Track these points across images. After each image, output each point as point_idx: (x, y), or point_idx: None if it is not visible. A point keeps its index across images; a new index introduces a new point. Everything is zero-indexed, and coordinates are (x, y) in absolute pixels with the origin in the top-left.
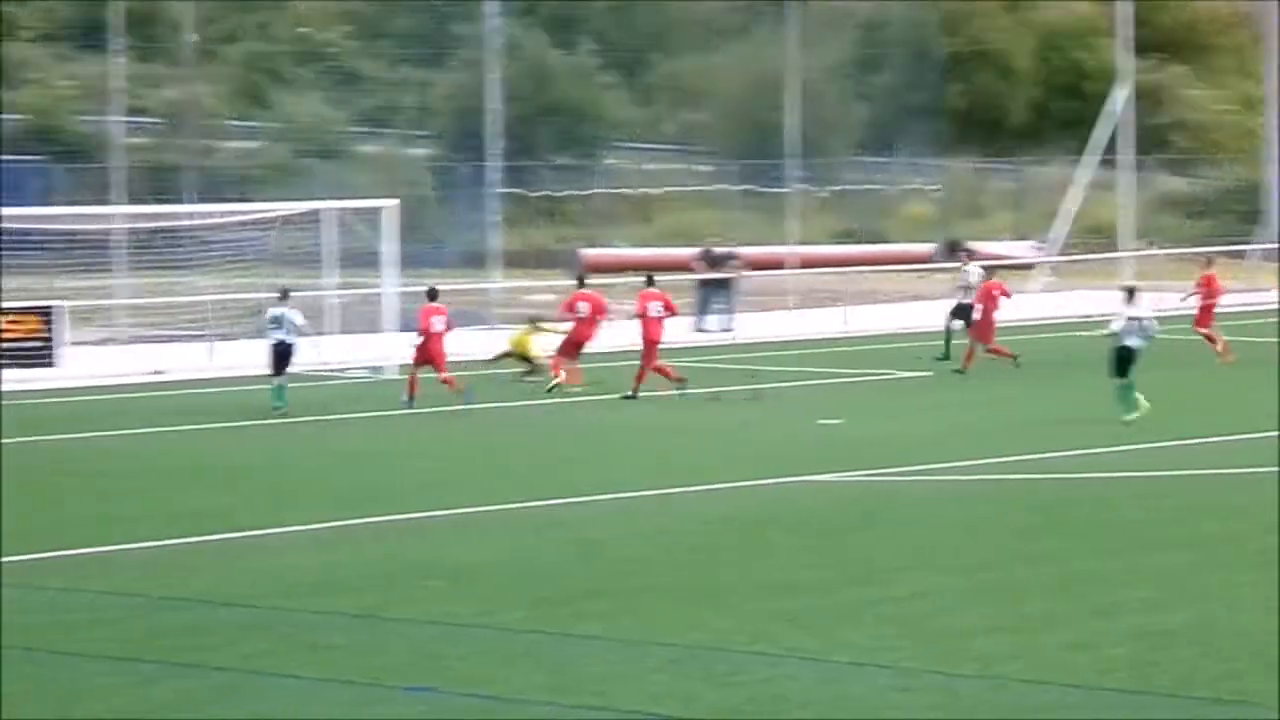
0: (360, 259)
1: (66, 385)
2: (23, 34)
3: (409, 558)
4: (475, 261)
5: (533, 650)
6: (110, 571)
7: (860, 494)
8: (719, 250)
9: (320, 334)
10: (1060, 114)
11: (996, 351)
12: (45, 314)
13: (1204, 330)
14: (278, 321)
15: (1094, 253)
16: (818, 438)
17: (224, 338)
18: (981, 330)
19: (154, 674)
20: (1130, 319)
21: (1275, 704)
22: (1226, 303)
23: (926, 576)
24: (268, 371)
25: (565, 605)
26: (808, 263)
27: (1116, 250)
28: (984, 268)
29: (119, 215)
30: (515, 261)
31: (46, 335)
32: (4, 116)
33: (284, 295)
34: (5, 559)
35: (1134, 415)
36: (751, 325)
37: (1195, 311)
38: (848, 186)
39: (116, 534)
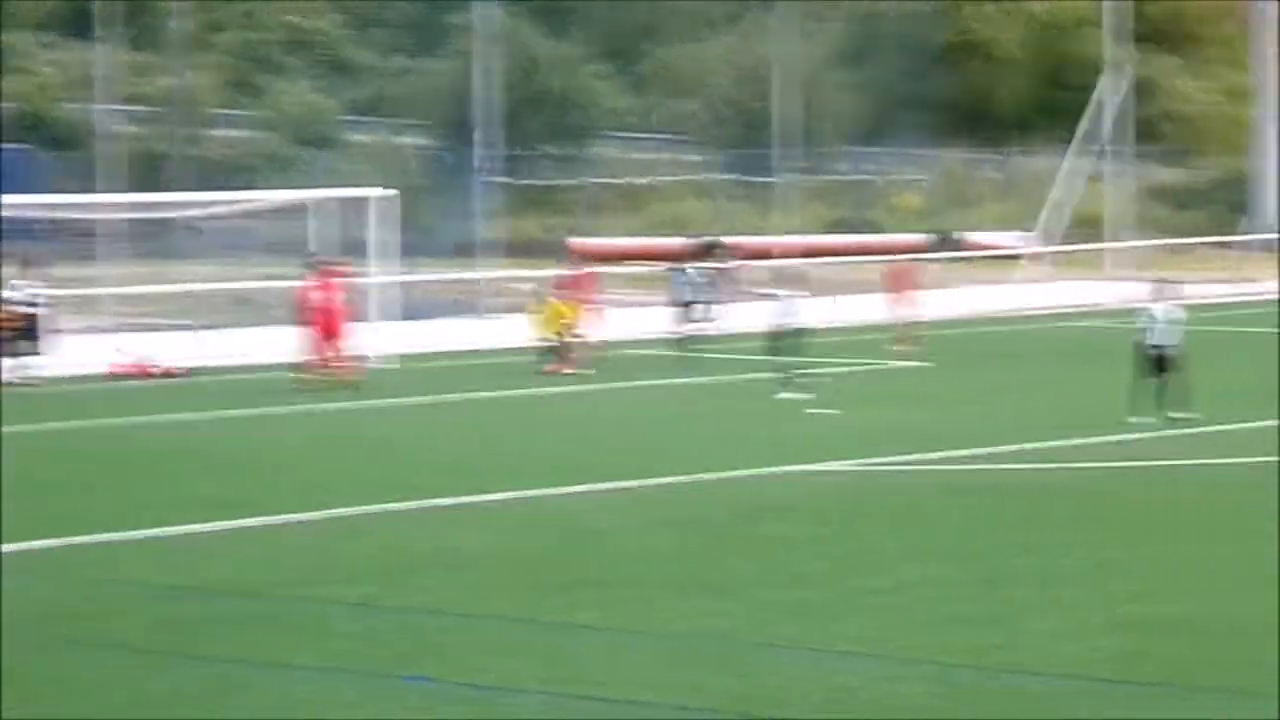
0: (351, 248)
1: (59, 374)
2: (11, 21)
3: (409, 547)
4: (465, 251)
5: (529, 640)
6: (112, 561)
7: (858, 483)
8: (708, 239)
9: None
10: (1048, 104)
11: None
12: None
13: (902, 324)
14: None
15: (1084, 243)
16: (809, 427)
17: (211, 327)
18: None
19: (155, 665)
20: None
21: (1265, 693)
22: (1215, 293)
23: (924, 566)
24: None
25: (563, 595)
26: (798, 252)
27: (1106, 240)
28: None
29: (108, 204)
30: (505, 251)
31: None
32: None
33: (25, 263)
34: (5, 548)
35: (789, 396)
36: (740, 315)
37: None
38: (837, 176)
39: (117, 522)
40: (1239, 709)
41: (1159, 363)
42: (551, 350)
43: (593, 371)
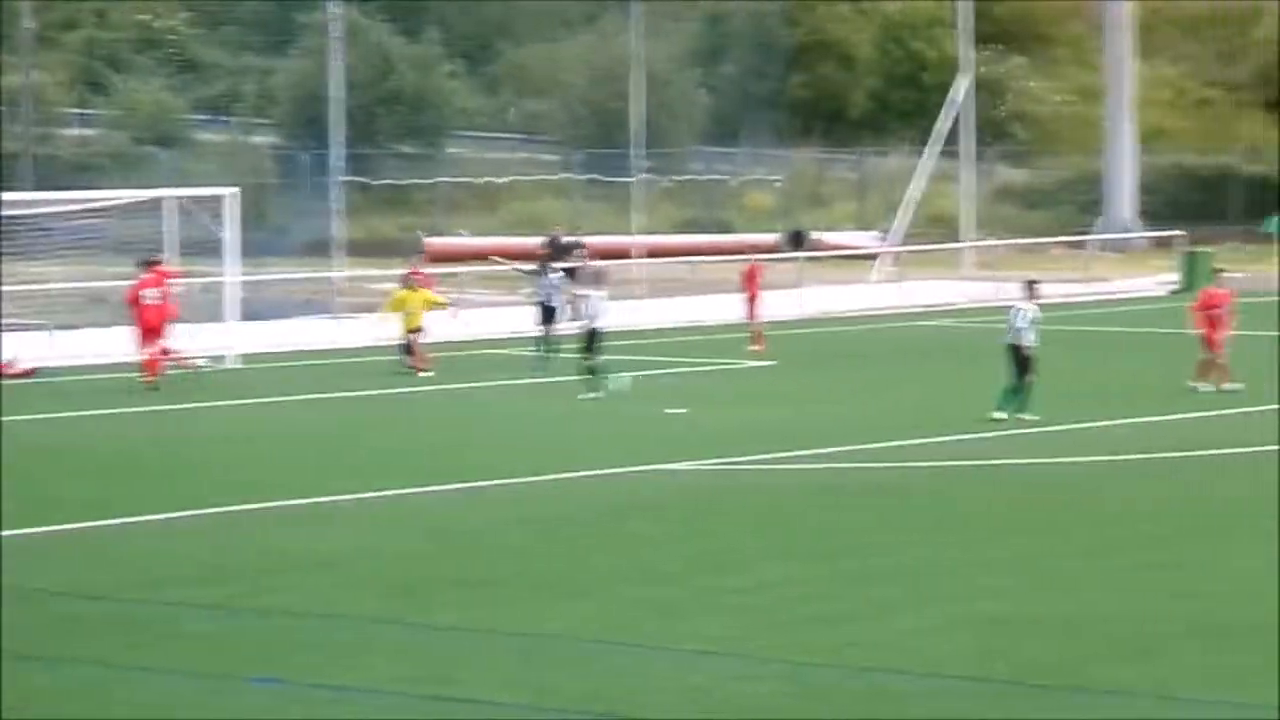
0: (202, 247)
1: None
2: None
3: (265, 547)
4: (318, 250)
5: (385, 640)
6: None
7: (715, 483)
8: (564, 239)
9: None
10: (900, 105)
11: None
12: None
13: (755, 323)
14: None
15: (936, 243)
16: (667, 427)
17: (64, 326)
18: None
19: (6, 667)
20: (580, 296)
21: (1115, 689)
22: (1069, 293)
23: (781, 565)
24: None
25: (420, 595)
26: (653, 252)
27: (958, 240)
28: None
29: None
30: (359, 250)
31: None
32: None
33: None
34: None
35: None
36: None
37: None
38: (692, 176)
39: None
40: (1093, 707)
41: (1029, 363)
42: (404, 348)
43: (431, 373)
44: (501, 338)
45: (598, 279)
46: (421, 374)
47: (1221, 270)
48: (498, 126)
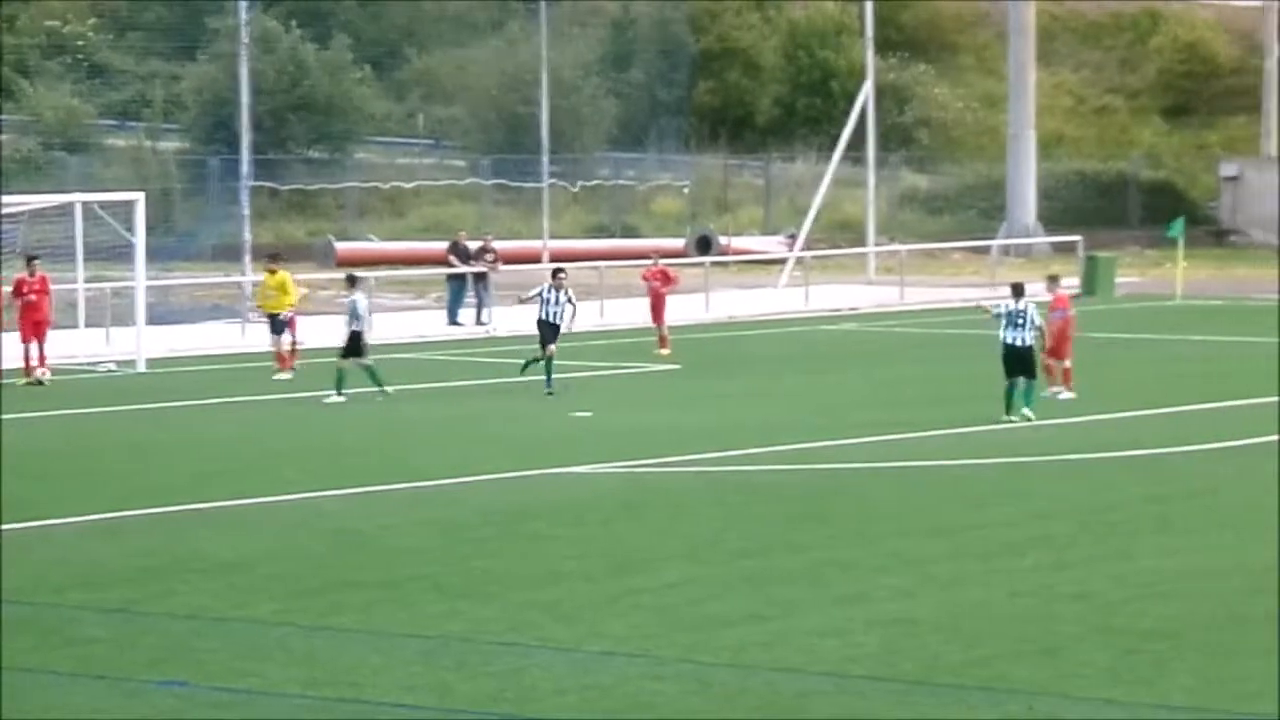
0: (109, 252)
1: None
2: None
3: (168, 551)
4: (227, 255)
5: (286, 643)
6: None
7: (619, 485)
8: (472, 244)
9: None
10: (807, 111)
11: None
12: None
13: (660, 326)
14: None
15: (841, 248)
16: (572, 430)
17: None
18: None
19: None
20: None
21: (1019, 688)
22: (971, 298)
23: (685, 566)
24: None
25: (321, 597)
26: (560, 256)
27: (864, 245)
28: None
29: None
30: (267, 255)
31: None
32: None
33: None
34: None
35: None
36: (506, 319)
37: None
38: (599, 181)
39: None
40: (997, 706)
41: (1031, 360)
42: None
43: (288, 376)
44: (409, 342)
45: (355, 284)
46: (277, 375)
47: (1056, 277)
48: (406, 132)
